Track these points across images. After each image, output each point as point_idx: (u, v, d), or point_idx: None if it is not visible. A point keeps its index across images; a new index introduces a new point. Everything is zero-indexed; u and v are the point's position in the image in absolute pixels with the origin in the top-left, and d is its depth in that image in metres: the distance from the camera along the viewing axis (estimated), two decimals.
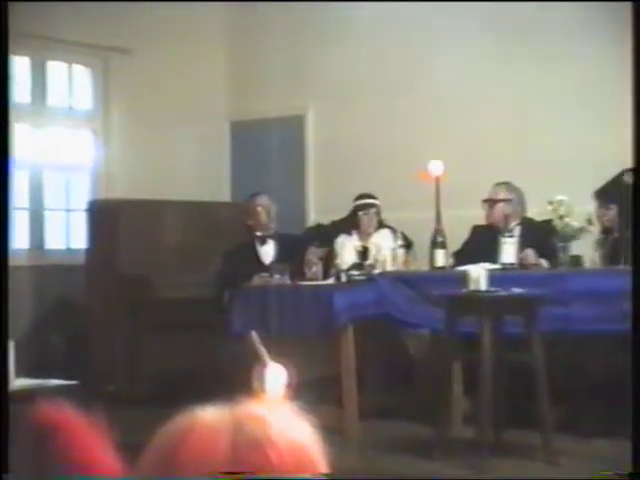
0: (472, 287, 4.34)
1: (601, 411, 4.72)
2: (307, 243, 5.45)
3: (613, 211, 5.08)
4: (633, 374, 3.14)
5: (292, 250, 5.47)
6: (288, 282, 5.04)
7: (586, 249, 5.04)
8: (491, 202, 5.34)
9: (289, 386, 1.47)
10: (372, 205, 5.67)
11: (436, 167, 5.13)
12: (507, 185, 5.40)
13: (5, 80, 2.87)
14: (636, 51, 3.59)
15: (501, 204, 5.31)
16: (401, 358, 5.33)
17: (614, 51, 5.48)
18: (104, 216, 6.19)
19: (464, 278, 4.39)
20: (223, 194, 7.18)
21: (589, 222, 4.85)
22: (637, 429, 3.02)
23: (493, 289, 4.34)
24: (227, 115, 7.21)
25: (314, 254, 5.21)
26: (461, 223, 5.42)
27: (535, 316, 4.28)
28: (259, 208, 5.70)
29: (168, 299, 5.86)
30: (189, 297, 5.84)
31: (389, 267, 5.18)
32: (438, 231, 5.08)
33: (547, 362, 4.26)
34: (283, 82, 6.94)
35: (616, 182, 5.08)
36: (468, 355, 4.47)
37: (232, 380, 5.01)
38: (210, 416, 1.04)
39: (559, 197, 4.85)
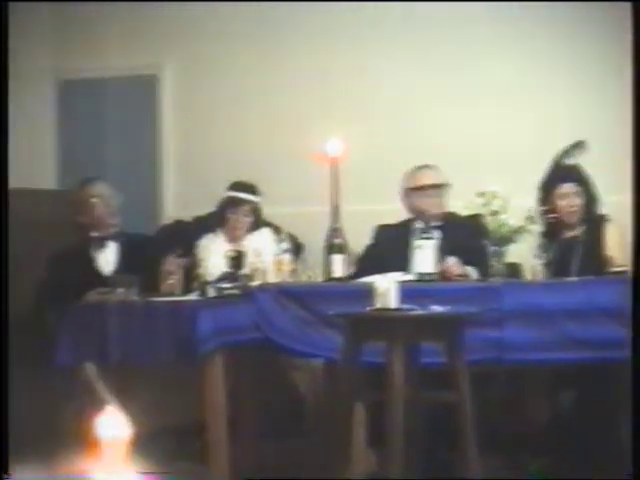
0: (379, 304, 4.38)
1: (545, 462, 4.82)
2: (161, 246, 5.41)
3: (571, 200, 5.19)
4: (633, 373, 3.63)
5: (141, 256, 5.43)
6: (136, 298, 5.00)
7: (526, 255, 5.13)
8: (427, 188, 5.35)
9: (134, 436, 1.47)
10: (244, 201, 5.67)
11: (333, 147, 5.15)
12: (435, 169, 5.45)
13: (4, 80, 2.94)
14: (636, 51, 4.26)
15: (431, 191, 5.37)
16: (286, 398, 5.35)
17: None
18: None
19: (368, 292, 4.42)
20: (46, 179, 7.05)
21: (530, 220, 4.94)
22: (637, 429, 3.48)
23: (406, 307, 4.38)
24: (53, 72, 7.08)
25: (173, 264, 5.18)
26: (364, 221, 5.46)
27: (460, 342, 4.35)
28: (94, 199, 5.66)
29: None
30: None
31: (271, 278, 5.19)
32: (335, 231, 5.12)
33: (476, 401, 4.32)
34: (131, 30, 6.88)
35: (571, 155, 5.22)
36: (374, 393, 4.50)
37: (56, 428, 4.95)
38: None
39: (492, 188, 4.92)
